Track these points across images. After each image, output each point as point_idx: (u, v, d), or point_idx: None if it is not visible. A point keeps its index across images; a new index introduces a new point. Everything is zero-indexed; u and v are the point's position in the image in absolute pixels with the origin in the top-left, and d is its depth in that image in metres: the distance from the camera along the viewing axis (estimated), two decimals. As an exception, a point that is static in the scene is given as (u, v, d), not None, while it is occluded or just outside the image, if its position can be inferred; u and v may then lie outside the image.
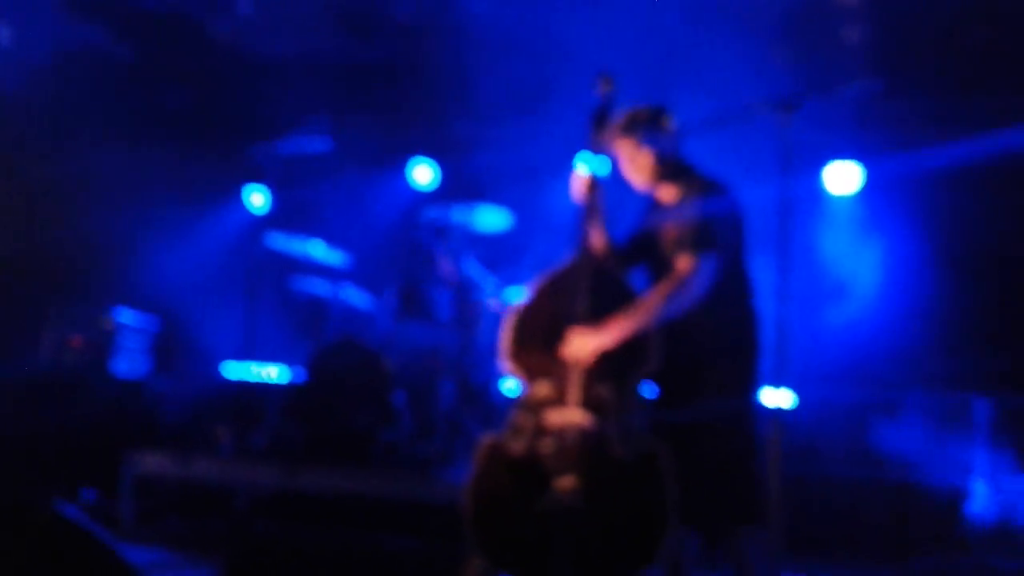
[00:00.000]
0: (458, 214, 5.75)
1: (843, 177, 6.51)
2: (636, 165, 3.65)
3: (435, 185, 7.65)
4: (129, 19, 7.65)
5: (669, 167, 3.64)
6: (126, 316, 6.71)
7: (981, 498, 4.92)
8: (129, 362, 6.66)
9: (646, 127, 3.62)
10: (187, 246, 7.84)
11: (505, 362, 3.57)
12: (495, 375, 5.65)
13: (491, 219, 5.86)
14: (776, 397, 3.35)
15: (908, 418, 5.31)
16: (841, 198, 6.56)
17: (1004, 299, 6.11)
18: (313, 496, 5.46)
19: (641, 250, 3.71)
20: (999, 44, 6.16)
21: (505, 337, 3.58)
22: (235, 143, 7.40)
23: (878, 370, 5.97)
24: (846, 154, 6.53)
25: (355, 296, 6.15)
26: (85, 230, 7.84)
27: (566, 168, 7.11)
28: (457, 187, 7.35)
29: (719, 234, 3.42)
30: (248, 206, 7.80)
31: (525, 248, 6.05)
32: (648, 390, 3.51)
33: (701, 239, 3.39)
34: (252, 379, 6.79)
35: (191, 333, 7.62)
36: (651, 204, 3.75)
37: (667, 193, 3.63)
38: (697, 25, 6.00)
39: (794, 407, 5.35)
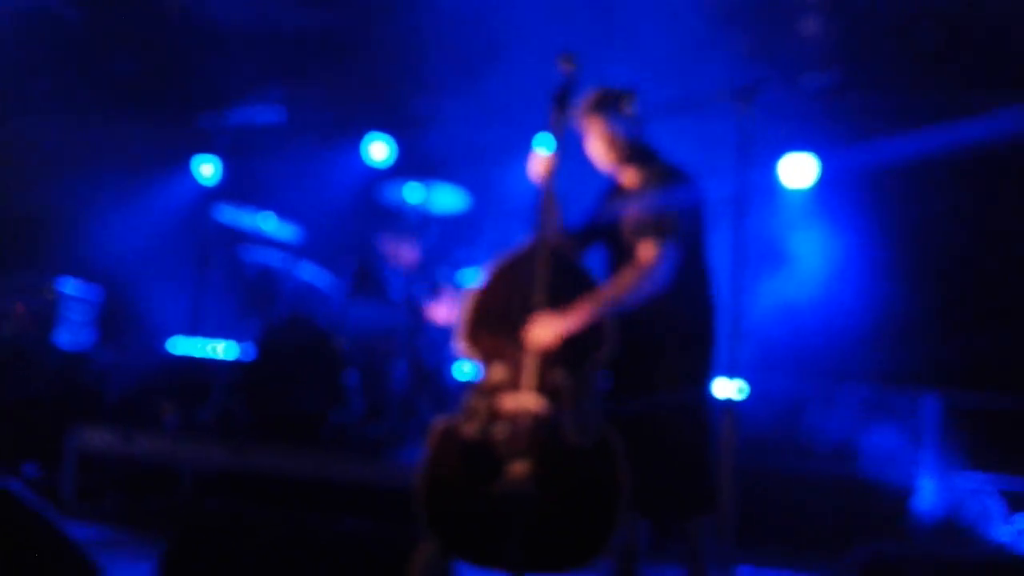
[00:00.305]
0: (414, 193, 5.71)
1: (798, 169, 6.58)
2: (604, 145, 3.62)
3: (391, 162, 7.57)
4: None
5: (634, 150, 3.62)
6: (70, 286, 6.57)
7: (928, 494, 5.03)
8: (72, 334, 6.53)
9: (614, 108, 3.59)
10: (134, 216, 7.68)
11: (460, 344, 3.54)
12: (448, 357, 5.65)
13: (447, 199, 5.82)
14: (729, 388, 3.40)
15: (856, 412, 5.40)
16: (795, 190, 6.63)
17: (954, 295, 6.22)
18: (260, 476, 5.43)
19: (597, 234, 3.69)
20: (952, 42, 6.26)
21: (461, 319, 3.54)
22: (185, 112, 7.27)
23: (827, 363, 6.06)
24: (802, 146, 6.61)
25: (307, 272, 6.09)
26: (29, 198, 7.67)
27: (523, 148, 7.14)
28: (413, 165, 7.30)
29: (681, 223, 3.42)
30: (198, 177, 7.68)
31: (481, 229, 6.04)
32: (603, 377, 3.52)
33: (664, 227, 3.38)
34: (199, 354, 6.71)
35: (137, 305, 7.48)
36: (611, 187, 3.74)
37: (631, 177, 3.61)
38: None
39: (745, 398, 5.42)
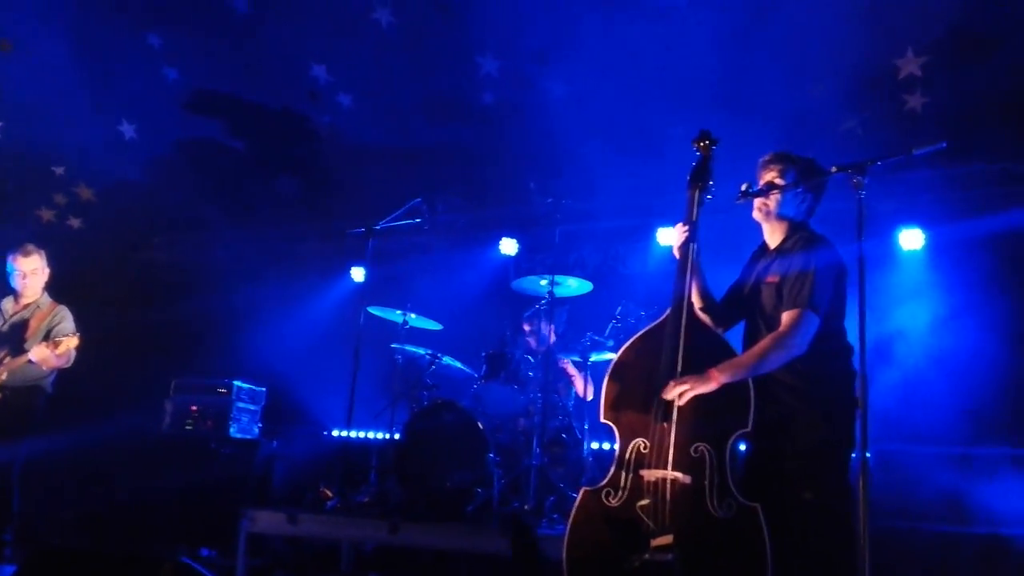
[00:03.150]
0: (541, 283, 5.77)
1: (910, 240, 6.41)
2: (770, 200, 3.53)
3: (520, 256, 7.69)
4: (241, 114, 8.00)
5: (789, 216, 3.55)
6: (240, 385, 6.85)
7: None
8: (242, 427, 6.78)
9: (795, 169, 3.51)
10: (293, 320, 8.02)
11: (603, 419, 3.49)
12: (581, 432, 5.61)
13: (572, 286, 5.87)
14: (862, 452, 3.24)
15: (992, 472, 5.08)
16: (910, 254, 6.42)
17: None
18: (413, 551, 5.44)
19: (741, 300, 3.61)
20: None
21: (603, 394, 3.50)
22: (338, 223, 7.61)
23: (957, 425, 5.73)
24: (913, 218, 6.43)
25: (449, 361, 6.20)
26: (203, 307, 8.11)
27: (641, 235, 7.18)
28: (541, 258, 7.43)
29: (824, 291, 3.32)
30: (348, 281, 7.98)
31: (606, 312, 6.04)
32: (744, 448, 3.41)
33: (807, 295, 3.29)
34: (355, 440, 6.84)
35: (298, 399, 7.74)
36: (758, 249, 3.67)
37: (777, 236, 3.56)
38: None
39: (875, 461, 5.15)
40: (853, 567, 3.16)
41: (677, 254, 3.61)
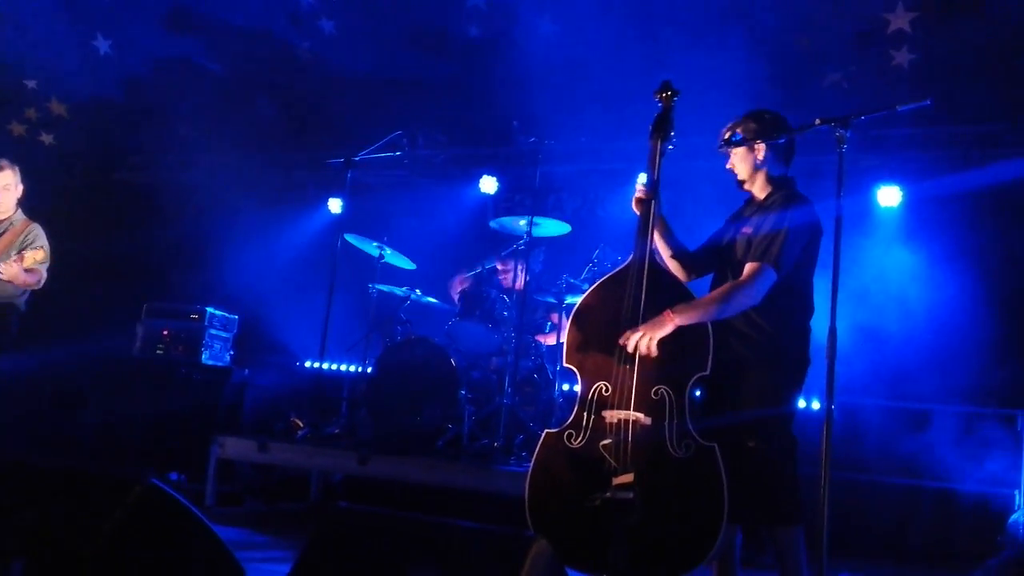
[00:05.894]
0: (520, 223, 5.79)
1: (887, 197, 6.47)
2: (749, 155, 3.57)
3: (499, 195, 7.69)
4: (221, 35, 7.84)
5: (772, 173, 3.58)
6: (213, 311, 6.86)
7: (1024, 511, 4.79)
8: (214, 354, 6.82)
9: (771, 125, 3.53)
10: (268, 249, 8.00)
11: (566, 362, 3.55)
12: (553, 374, 5.69)
13: (550, 227, 5.89)
14: (824, 403, 3.34)
15: (953, 429, 5.23)
16: (887, 212, 6.49)
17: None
18: (382, 483, 5.54)
19: (718, 251, 3.65)
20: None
21: (566, 338, 3.57)
22: (317, 152, 7.55)
23: (922, 382, 5.88)
24: (891, 176, 6.48)
25: (424, 298, 6.23)
26: (178, 231, 8.05)
27: (622, 179, 7.20)
28: (521, 196, 7.44)
29: (792, 250, 3.38)
30: (326, 212, 7.95)
31: (583, 255, 6.07)
32: (700, 392, 3.49)
33: (773, 251, 3.36)
34: (327, 372, 6.89)
35: (271, 328, 7.77)
36: (743, 204, 3.70)
37: (762, 192, 3.59)
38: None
39: (841, 415, 5.27)
40: (793, 513, 3.33)
41: (637, 208, 3.59)
